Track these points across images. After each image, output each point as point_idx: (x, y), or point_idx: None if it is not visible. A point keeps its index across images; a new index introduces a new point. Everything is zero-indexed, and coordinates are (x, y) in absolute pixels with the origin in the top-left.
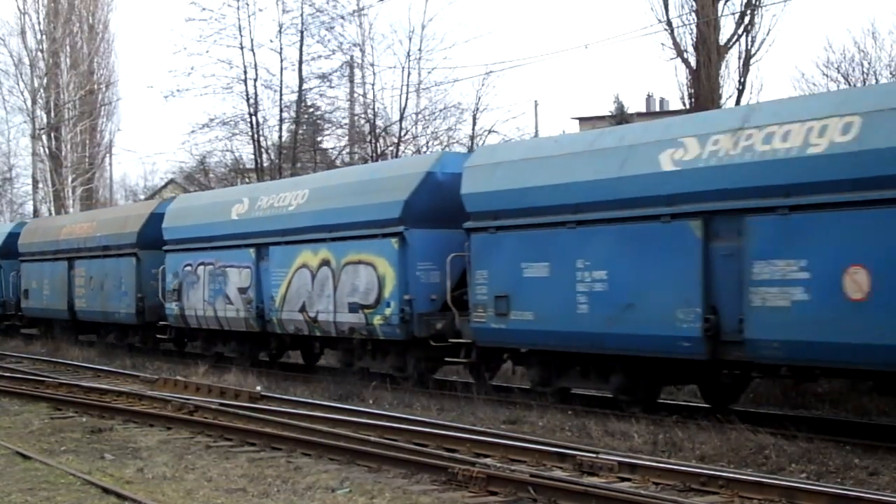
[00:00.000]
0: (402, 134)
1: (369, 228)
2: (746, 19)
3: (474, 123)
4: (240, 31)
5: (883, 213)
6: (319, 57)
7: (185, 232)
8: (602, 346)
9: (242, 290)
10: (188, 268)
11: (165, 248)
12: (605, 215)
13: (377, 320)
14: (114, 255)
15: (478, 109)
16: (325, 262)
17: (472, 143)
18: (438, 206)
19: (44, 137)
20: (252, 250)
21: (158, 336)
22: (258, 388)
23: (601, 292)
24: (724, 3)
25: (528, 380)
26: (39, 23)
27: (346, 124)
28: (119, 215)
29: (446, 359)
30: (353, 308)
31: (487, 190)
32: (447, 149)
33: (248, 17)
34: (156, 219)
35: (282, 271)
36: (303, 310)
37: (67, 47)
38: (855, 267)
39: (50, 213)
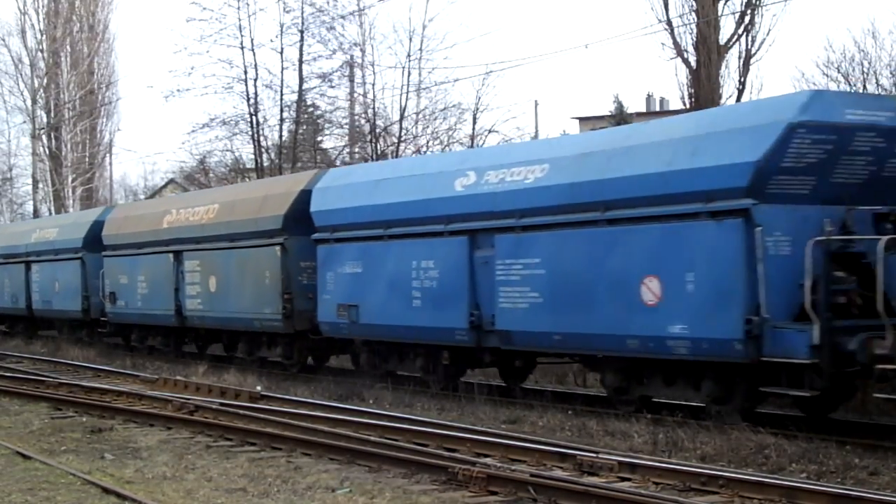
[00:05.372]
0: (402, 134)
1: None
2: (746, 19)
3: (474, 123)
4: (240, 31)
5: None
6: (320, 57)
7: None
8: None
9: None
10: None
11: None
12: None
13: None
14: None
15: (478, 109)
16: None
17: (472, 143)
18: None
19: (44, 137)
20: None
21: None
22: (258, 388)
23: None
24: (724, 3)
25: None
26: (39, 23)
27: (346, 124)
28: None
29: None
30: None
31: None
32: (447, 149)
33: (249, 16)
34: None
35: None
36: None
37: (67, 47)
38: None
39: (50, 213)
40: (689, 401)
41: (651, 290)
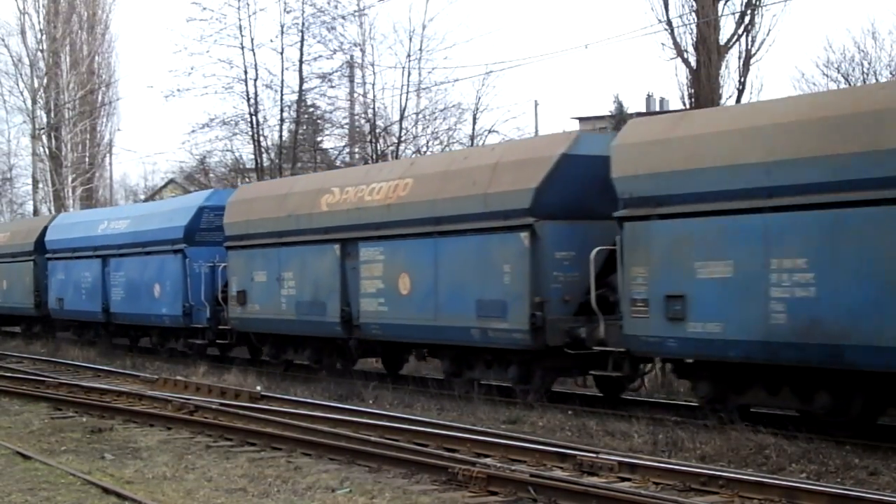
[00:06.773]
0: (402, 134)
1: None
2: (746, 19)
3: (474, 123)
4: (240, 31)
5: None
6: (320, 57)
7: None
8: None
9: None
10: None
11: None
12: None
13: None
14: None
15: (478, 109)
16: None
17: (472, 143)
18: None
19: (44, 137)
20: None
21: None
22: (258, 388)
23: None
24: (724, 3)
25: None
26: (39, 23)
27: (346, 124)
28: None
29: None
30: None
31: None
32: (447, 149)
33: (249, 16)
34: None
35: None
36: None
37: (67, 47)
38: None
39: (50, 213)
40: (173, 347)
41: (157, 290)
